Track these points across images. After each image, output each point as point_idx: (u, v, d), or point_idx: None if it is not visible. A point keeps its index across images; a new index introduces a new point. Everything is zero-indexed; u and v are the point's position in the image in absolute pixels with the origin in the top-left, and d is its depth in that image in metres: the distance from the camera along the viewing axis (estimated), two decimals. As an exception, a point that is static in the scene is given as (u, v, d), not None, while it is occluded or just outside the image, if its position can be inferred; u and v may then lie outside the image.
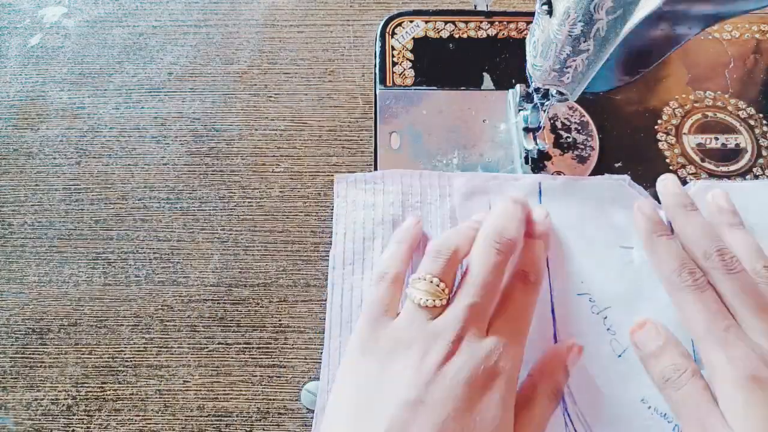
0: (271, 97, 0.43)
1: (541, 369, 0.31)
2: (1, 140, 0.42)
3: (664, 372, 0.30)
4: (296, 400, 0.34)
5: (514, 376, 0.29)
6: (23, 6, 0.46)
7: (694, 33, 0.30)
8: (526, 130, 0.39)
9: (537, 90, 0.36)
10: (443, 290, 0.30)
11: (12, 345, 0.36)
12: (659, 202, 0.36)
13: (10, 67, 0.44)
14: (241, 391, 0.35)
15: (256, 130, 0.42)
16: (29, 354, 0.36)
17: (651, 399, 0.32)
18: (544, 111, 0.37)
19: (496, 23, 0.44)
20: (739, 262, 0.31)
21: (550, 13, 0.29)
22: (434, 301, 0.30)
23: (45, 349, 0.36)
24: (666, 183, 0.35)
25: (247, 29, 0.45)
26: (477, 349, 0.28)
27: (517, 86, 0.37)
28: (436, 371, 0.27)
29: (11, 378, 0.35)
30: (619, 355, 0.33)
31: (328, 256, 0.37)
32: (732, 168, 0.39)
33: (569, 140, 0.40)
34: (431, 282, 0.30)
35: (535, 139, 0.38)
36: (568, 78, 0.31)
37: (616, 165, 0.39)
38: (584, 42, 0.28)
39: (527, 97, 0.37)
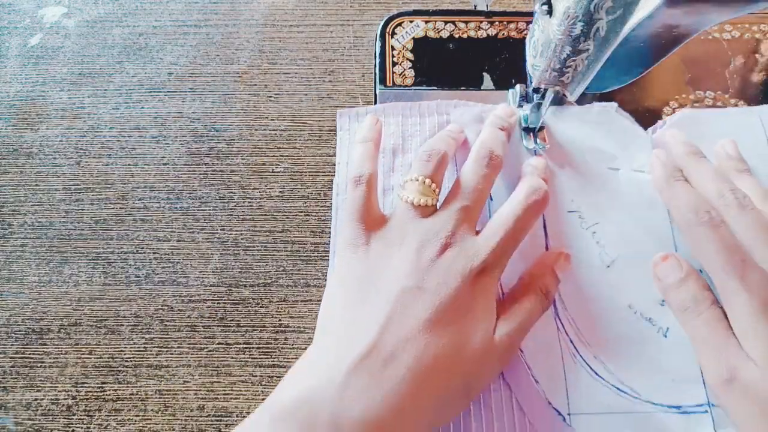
0: (271, 97, 0.43)
1: (530, 271, 0.34)
2: (1, 140, 0.42)
3: (684, 301, 0.32)
4: (296, 400, 0.34)
5: (500, 273, 0.32)
6: (23, 6, 0.46)
7: (694, 33, 0.30)
8: (526, 130, 0.39)
9: (537, 90, 0.36)
10: (434, 190, 0.33)
11: (12, 345, 0.36)
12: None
13: (10, 67, 0.44)
14: (241, 391, 0.35)
15: (256, 130, 0.42)
16: (29, 354, 0.36)
17: (637, 305, 0.35)
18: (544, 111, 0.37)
19: (496, 23, 0.44)
20: (751, 199, 0.33)
21: (550, 13, 0.29)
22: (426, 200, 0.32)
23: (45, 349, 0.36)
24: (673, 134, 0.37)
25: (247, 29, 0.45)
26: (469, 245, 0.31)
27: (517, 86, 0.37)
28: (431, 262, 0.30)
29: (11, 378, 0.35)
30: (608, 266, 0.35)
31: (328, 256, 0.37)
32: (732, 168, 0.39)
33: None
34: (423, 182, 0.32)
35: (535, 138, 0.38)
36: (568, 78, 0.31)
37: (616, 165, 0.39)
38: (584, 42, 0.28)
39: (527, 97, 0.37)
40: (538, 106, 0.37)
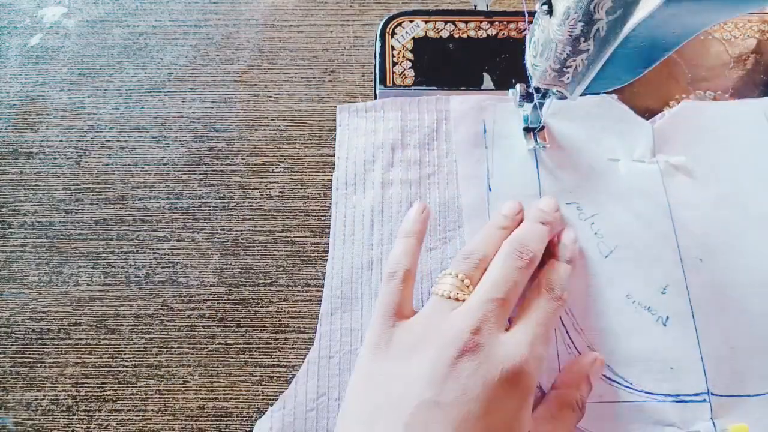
0: (271, 97, 0.43)
1: (564, 381, 0.31)
2: (0, 140, 0.42)
3: None
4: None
5: (534, 379, 0.28)
6: (23, 6, 0.46)
7: (694, 33, 0.30)
8: (526, 129, 0.39)
9: (537, 90, 0.36)
10: (468, 286, 0.30)
11: (12, 345, 0.36)
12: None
13: (10, 67, 0.44)
14: (241, 391, 0.35)
15: (256, 130, 0.42)
16: (29, 354, 0.36)
17: (635, 294, 0.35)
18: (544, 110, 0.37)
19: (496, 23, 0.44)
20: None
21: (550, 13, 0.29)
22: (458, 293, 0.30)
23: (45, 349, 0.36)
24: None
25: (247, 29, 0.45)
26: (496, 345, 0.27)
27: (517, 86, 0.37)
28: (451, 370, 0.26)
29: (11, 378, 0.35)
30: (606, 256, 0.36)
31: (327, 256, 0.37)
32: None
33: (569, 140, 0.40)
34: (457, 277, 0.31)
35: (535, 138, 0.38)
36: (568, 78, 0.31)
37: (616, 165, 0.39)
38: (584, 42, 0.28)
39: (527, 97, 0.37)
40: (539, 106, 0.37)
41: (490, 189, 0.37)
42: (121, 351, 0.36)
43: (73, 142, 0.42)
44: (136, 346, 0.36)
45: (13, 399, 0.35)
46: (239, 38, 0.45)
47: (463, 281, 0.30)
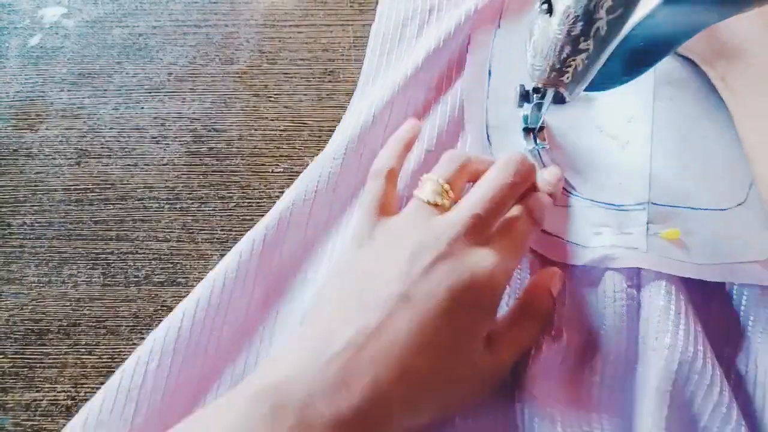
0: (270, 97, 0.43)
1: (527, 293, 0.32)
2: (0, 140, 0.42)
3: None
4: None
5: (500, 290, 0.30)
6: (23, 6, 0.46)
7: (694, 33, 0.30)
8: (526, 130, 0.38)
9: (536, 90, 0.36)
10: (448, 192, 0.31)
11: (11, 345, 0.36)
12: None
13: (10, 68, 0.44)
14: (240, 391, 0.34)
15: (256, 130, 0.42)
16: (28, 354, 0.36)
17: (606, 126, 0.38)
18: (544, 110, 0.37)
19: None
20: None
21: (549, 12, 0.29)
22: (437, 199, 0.31)
23: (44, 350, 0.36)
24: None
25: (247, 29, 0.45)
26: (470, 254, 0.29)
27: (517, 86, 0.37)
28: (425, 271, 0.28)
29: (10, 378, 0.35)
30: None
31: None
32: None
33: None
34: (438, 182, 0.31)
35: (535, 139, 0.38)
36: (567, 78, 0.31)
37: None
38: (584, 42, 0.28)
39: (527, 97, 0.37)
40: (538, 106, 0.36)
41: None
42: (121, 351, 0.35)
43: (73, 142, 0.42)
44: (136, 346, 0.36)
45: (12, 399, 0.34)
46: (239, 38, 0.45)
47: (443, 186, 0.31)
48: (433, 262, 0.28)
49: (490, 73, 0.40)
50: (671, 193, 0.36)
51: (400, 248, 0.29)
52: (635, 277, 0.33)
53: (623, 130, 0.38)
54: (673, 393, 0.29)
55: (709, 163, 0.36)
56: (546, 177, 0.34)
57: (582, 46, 0.28)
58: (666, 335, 0.30)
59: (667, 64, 0.39)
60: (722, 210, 0.35)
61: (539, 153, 0.38)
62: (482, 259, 0.29)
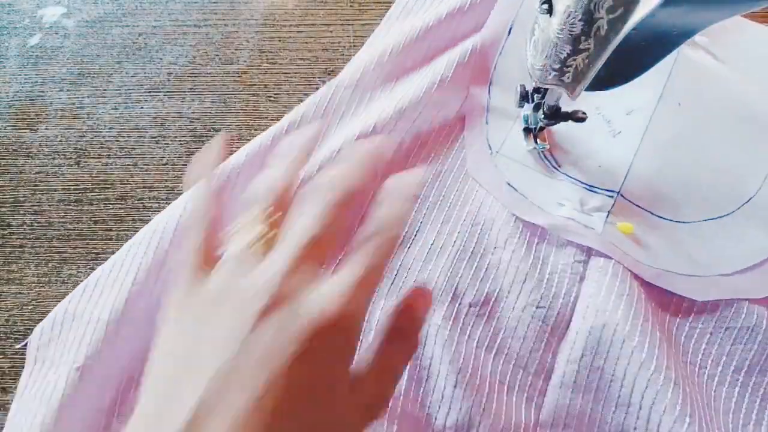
0: (270, 97, 0.43)
1: (397, 318, 0.26)
2: (0, 140, 0.42)
3: None
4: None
5: (355, 325, 0.24)
6: (23, 6, 0.46)
7: (694, 33, 0.29)
8: (526, 130, 0.38)
9: (537, 90, 0.36)
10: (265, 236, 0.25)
11: (11, 345, 0.36)
12: None
13: (10, 68, 0.44)
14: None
15: (256, 130, 0.42)
16: (28, 354, 0.36)
17: (604, 109, 0.39)
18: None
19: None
20: None
21: (550, 12, 0.29)
22: (255, 242, 0.25)
23: (44, 350, 0.36)
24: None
25: (247, 29, 0.45)
26: (306, 295, 0.23)
27: (517, 86, 0.37)
28: (252, 327, 0.22)
29: (10, 379, 0.35)
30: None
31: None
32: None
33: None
34: (252, 234, 0.25)
35: (535, 139, 0.38)
36: (568, 77, 0.31)
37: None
38: (584, 41, 0.28)
39: (527, 97, 0.37)
40: (538, 106, 0.36)
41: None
42: (121, 351, 0.35)
43: (73, 142, 0.41)
44: (136, 346, 0.36)
45: (12, 399, 0.34)
46: (238, 38, 0.45)
47: (259, 233, 0.25)
48: (260, 315, 0.22)
49: (510, 31, 0.41)
50: (641, 193, 0.37)
51: (221, 310, 0.24)
52: (585, 254, 0.35)
53: (620, 119, 0.39)
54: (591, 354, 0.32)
55: (691, 177, 0.37)
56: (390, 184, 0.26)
57: (582, 45, 0.28)
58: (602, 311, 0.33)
59: (688, 72, 0.39)
60: (683, 223, 0.36)
61: (540, 153, 0.38)
62: (325, 297, 0.23)
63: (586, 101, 0.37)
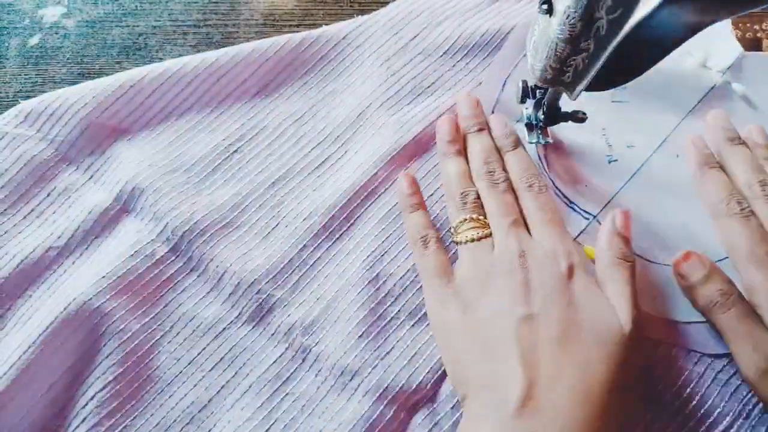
0: (270, 97, 0.43)
1: (599, 247, 0.33)
2: (0, 140, 0.42)
3: (712, 297, 0.32)
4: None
5: (582, 260, 0.31)
6: (23, 6, 0.46)
7: (694, 33, 0.29)
8: (529, 126, 0.38)
9: (538, 87, 0.36)
10: (484, 221, 0.34)
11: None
12: None
13: (10, 67, 0.44)
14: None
15: (256, 130, 0.41)
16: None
17: (609, 133, 0.39)
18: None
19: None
20: None
21: (549, 12, 0.29)
22: (484, 231, 0.33)
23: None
24: (715, 116, 0.38)
25: (247, 29, 0.45)
26: (541, 253, 0.31)
27: (519, 82, 0.37)
28: (523, 286, 0.30)
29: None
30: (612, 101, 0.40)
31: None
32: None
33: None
34: (473, 219, 0.33)
35: (538, 135, 0.38)
36: (568, 77, 0.31)
37: (617, 164, 0.39)
38: (584, 41, 0.28)
39: (529, 93, 0.37)
40: (540, 102, 0.36)
41: None
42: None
43: (73, 142, 0.41)
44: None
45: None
46: (239, 38, 0.45)
47: (479, 219, 0.33)
48: (521, 273, 0.30)
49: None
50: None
51: (491, 286, 0.31)
52: None
53: (620, 148, 0.39)
54: None
55: (676, 221, 0.36)
56: (497, 133, 0.37)
57: (582, 45, 0.28)
58: None
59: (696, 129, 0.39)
60: (653, 263, 0.35)
61: (541, 148, 0.38)
62: (549, 247, 0.31)
63: (594, 121, 0.37)
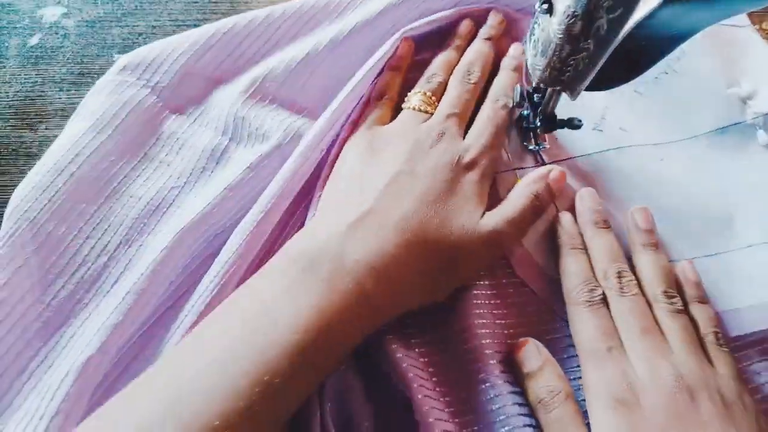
0: (270, 96, 0.43)
1: (525, 179, 0.36)
2: (0, 140, 0.42)
3: (539, 393, 0.30)
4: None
5: (488, 170, 0.36)
6: (22, 6, 0.46)
7: (694, 32, 0.30)
8: (527, 129, 0.38)
9: (537, 89, 0.36)
10: (433, 102, 0.38)
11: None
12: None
13: (9, 67, 0.44)
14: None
15: (256, 130, 0.41)
16: (28, 354, 0.36)
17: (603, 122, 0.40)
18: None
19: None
20: (635, 285, 0.32)
21: (550, 12, 0.29)
22: (426, 107, 0.37)
23: (44, 350, 0.36)
24: (583, 196, 0.36)
25: (247, 29, 0.45)
26: (457, 142, 0.35)
27: (517, 85, 0.37)
28: (423, 154, 0.34)
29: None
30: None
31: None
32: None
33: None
34: (425, 94, 0.38)
35: (535, 139, 0.38)
36: (568, 77, 0.31)
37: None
38: (584, 41, 0.28)
39: (527, 97, 0.37)
40: (538, 105, 0.36)
41: None
42: (121, 351, 0.35)
43: (73, 142, 0.41)
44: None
45: (12, 399, 0.34)
46: (239, 38, 0.45)
47: (430, 97, 0.38)
48: (429, 146, 0.35)
49: None
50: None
51: (401, 141, 0.35)
52: None
53: (612, 127, 0.39)
54: None
55: (670, 212, 0.36)
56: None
57: (582, 45, 0.28)
58: None
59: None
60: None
61: (538, 153, 0.38)
62: (467, 144, 0.35)
63: (603, 96, 0.38)
